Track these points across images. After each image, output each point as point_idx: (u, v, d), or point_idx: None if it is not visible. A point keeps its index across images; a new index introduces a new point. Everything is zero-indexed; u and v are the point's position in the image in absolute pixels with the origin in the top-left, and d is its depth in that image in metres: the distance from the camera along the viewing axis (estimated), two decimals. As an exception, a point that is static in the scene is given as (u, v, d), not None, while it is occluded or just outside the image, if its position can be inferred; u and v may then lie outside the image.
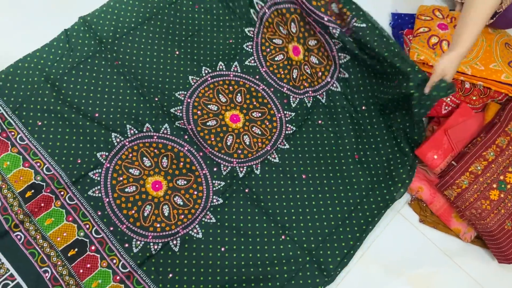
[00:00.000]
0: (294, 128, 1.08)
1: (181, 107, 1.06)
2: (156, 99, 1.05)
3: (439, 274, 1.01)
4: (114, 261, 0.93)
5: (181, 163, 1.01)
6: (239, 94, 1.10)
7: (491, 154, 0.99)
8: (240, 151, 1.04)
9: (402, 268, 1.00)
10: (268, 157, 1.05)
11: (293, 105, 1.10)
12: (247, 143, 1.05)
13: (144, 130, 1.03)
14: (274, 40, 1.15)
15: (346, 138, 1.07)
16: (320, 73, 1.12)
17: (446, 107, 1.08)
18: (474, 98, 1.08)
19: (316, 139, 1.08)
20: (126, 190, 0.98)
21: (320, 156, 1.06)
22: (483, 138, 1.00)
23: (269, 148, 1.06)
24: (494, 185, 0.98)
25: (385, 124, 1.08)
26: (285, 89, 1.12)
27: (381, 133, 1.07)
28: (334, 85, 1.12)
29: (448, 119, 1.04)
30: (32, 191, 0.95)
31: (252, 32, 1.14)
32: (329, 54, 1.13)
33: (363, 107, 1.09)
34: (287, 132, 1.08)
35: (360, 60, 1.09)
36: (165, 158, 1.01)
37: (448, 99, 1.07)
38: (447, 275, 1.01)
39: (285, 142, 1.07)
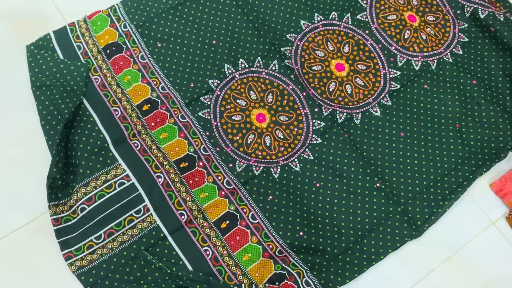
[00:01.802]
0: (398, 86, 1.09)
1: (290, 48, 1.10)
2: (270, 35, 1.09)
3: None
4: (219, 177, 0.98)
5: (285, 101, 1.06)
6: (347, 45, 1.12)
7: None
8: (341, 98, 1.07)
9: (487, 281, 0.97)
10: (370, 109, 1.07)
11: (399, 64, 1.11)
12: (349, 92, 1.08)
13: (255, 66, 1.08)
14: (390, 1, 1.16)
15: (451, 106, 1.07)
16: (434, 43, 1.13)
17: None
18: None
19: (420, 101, 1.08)
20: (233, 118, 1.03)
21: (421, 118, 1.07)
22: None
23: (371, 101, 1.08)
24: None
25: (496, 100, 1.07)
26: (393, 47, 1.13)
27: (488, 109, 1.06)
28: (447, 56, 1.12)
29: None
30: (149, 105, 1.02)
31: None
32: (450, 30, 1.14)
33: (474, 81, 1.09)
34: (390, 88, 1.09)
35: (483, 43, 1.12)
36: (270, 94, 1.06)
37: None
38: None
39: (388, 99, 1.08)
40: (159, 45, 1.07)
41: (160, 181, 0.96)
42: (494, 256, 1.00)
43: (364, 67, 1.11)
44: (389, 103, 1.08)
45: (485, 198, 1.04)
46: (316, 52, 1.11)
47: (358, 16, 1.15)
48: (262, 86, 1.06)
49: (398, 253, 0.97)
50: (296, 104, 1.06)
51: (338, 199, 0.99)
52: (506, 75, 1.09)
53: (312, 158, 1.02)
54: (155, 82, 1.04)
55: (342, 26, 1.14)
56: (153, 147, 0.99)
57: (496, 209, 1.03)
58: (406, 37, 1.14)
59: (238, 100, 1.05)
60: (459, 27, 1.15)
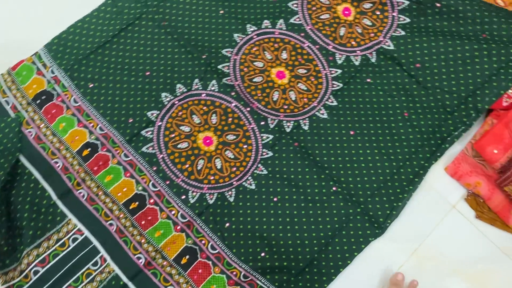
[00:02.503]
0: (340, 85, 1.08)
1: (228, 64, 1.07)
2: (204, 56, 1.07)
3: (496, 272, 0.97)
4: (173, 212, 0.96)
5: (230, 119, 1.03)
6: (284, 51, 1.10)
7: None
8: (286, 106, 1.05)
9: (457, 266, 0.97)
10: (316, 113, 1.05)
11: (339, 62, 1.10)
12: (293, 98, 1.06)
13: (193, 88, 1.05)
14: (321, 0, 1.14)
15: (396, 96, 1.06)
16: (372, 34, 1.11)
17: (507, 99, 1.04)
18: (538, 88, 1.02)
19: (365, 96, 1.07)
20: (179, 146, 1.01)
21: (368, 113, 1.05)
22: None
23: (316, 104, 1.06)
24: (559, 180, 0.93)
25: (440, 83, 1.06)
26: (330, 46, 1.11)
27: (434, 92, 1.05)
28: (387, 43, 1.10)
29: (509, 112, 1.00)
30: (89, 149, 0.99)
31: None
32: (389, 14, 1.12)
33: (417, 65, 1.08)
34: (333, 88, 1.08)
35: (426, 20, 1.10)
36: (214, 114, 1.04)
37: (511, 90, 1.03)
38: (504, 273, 0.97)
39: (333, 99, 1.07)
40: (91, 85, 1.04)
41: (113, 229, 0.94)
42: (460, 239, 1.00)
43: (305, 71, 1.09)
44: (335, 103, 1.07)
45: (443, 183, 1.03)
46: (255, 63, 1.09)
47: (291, 20, 1.13)
48: (204, 108, 1.04)
49: (364, 254, 0.96)
50: (241, 120, 1.04)
51: (297, 210, 0.97)
52: (450, 53, 1.07)
53: (266, 172, 1.00)
54: (92, 124, 1.01)
55: (276, 33, 1.12)
56: (100, 193, 0.96)
57: (455, 192, 1.03)
58: (342, 34, 1.12)
59: (181, 127, 1.02)
60: (398, 8, 1.12)
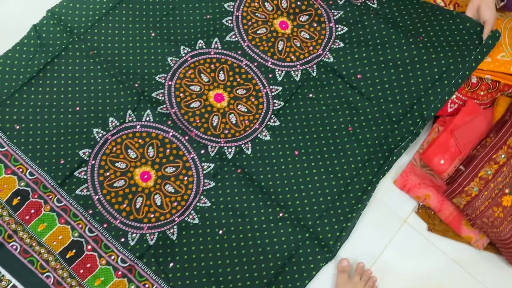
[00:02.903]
0: (281, 103, 1.04)
1: (162, 91, 1.02)
2: (136, 85, 1.02)
3: (451, 284, 0.95)
4: (113, 257, 0.91)
5: (168, 150, 0.99)
6: (221, 72, 1.06)
7: (502, 156, 0.92)
8: (227, 131, 1.01)
9: (413, 282, 0.95)
10: (259, 135, 1.01)
11: (279, 79, 1.06)
12: (234, 122, 1.02)
13: (126, 120, 1.00)
14: (257, 14, 1.09)
15: (339, 110, 1.03)
16: (311, 47, 1.07)
17: (452, 105, 1.01)
18: (481, 93, 1.00)
19: (308, 113, 1.03)
20: (115, 185, 0.96)
21: (312, 130, 1.02)
22: (493, 139, 0.93)
23: (257, 126, 1.02)
24: (507, 190, 0.91)
25: (383, 93, 1.02)
26: (269, 63, 1.07)
27: (378, 103, 1.02)
28: (327, 56, 1.06)
29: (454, 119, 0.98)
30: (19, 198, 0.93)
31: (231, 7, 1.09)
32: (326, 25, 1.08)
33: (359, 76, 1.04)
34: (275, 107, 1.04)
35: (363, 27, 1.06)
36: (150, 147, 0.98)
37: (453, 95, 1.00)
38: (459, 285, 0.95)
39: (275, 119, 1.03)
40: (17, 127, 0.97)
41: (50, 281, 0.89)
42: (414, 254, 0.98)
43: (244, 91, 1.05)
44: (277, 123, 1.03)
45: (392, 197, 1.01)
46: (191, 87, 1.04)
47: (227, 38, 1.08)
48: (140, 141, 0.99)
49: (317, 281, 0.93)
50: (180, 150, 0.99)
51: (244, 241, 0.93)
52: (390, 61, 1.04)
53: (209, 204, 0.96)
54: (21, 170, 0.95)
55: (212, 53, 1.07)
56: (34, 243, 0.91)
57: (405, 205, 1.01)
58: (280, 48, 1.08)
59: (116, 164, 0.97)
60: (335, 17, 1.09)
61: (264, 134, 1.01)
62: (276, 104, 1.04)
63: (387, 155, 0.99)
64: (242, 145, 1.00)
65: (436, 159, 0.96)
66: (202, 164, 0.98)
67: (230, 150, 1.00)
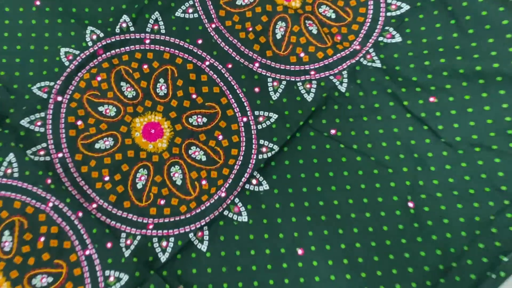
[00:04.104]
0: (275, 147, 0.53)
1: (43, 114, 0.52)
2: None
3: None
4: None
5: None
6: (162, 80, 0.54)
7: None
8: (161, 205, 0.51)
9: None
10: (225, 212, 0.50)
11: (275, 97, 0.54)
12: (179, 183, 0.52)
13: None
14: None
15: (391, 165, 0.53)
16: (339, 37, 0.57)
17: None
18: None
19: (326, 167, 0.54)
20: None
21: (334, 205, 0.51)
22: None
23: (223, 195, 0.52)
24: None
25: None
26: (256, 64, 0.55)
27: (468, 152, 0.50)
28: (369, 56, 0.57)
29: None
30: None
31: None
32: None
33: (431, 99, 0.52)
34: (261, 155, 0.53)
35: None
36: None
37: None
38: None
39: (261, 178, 0.53)
40: None
41: None
42: None
43: (205, 120, 0.55)
44: (264, 187, 0.52)
45: None
46: (100, 108, 0.55)
47: (177, 13, 0.58)
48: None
49: None
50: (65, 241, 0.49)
51: None
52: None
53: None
54: None
55: (147, 41, 0.57)
56: None
57: None
58: (278, 37, 0.59)
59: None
60: None
61: (235, 209, 0.50)
62: (264, 149, 0.52)
63: None
64: (190, 234, 0.49)
65: None
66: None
67: (166, 243, 0.49)
